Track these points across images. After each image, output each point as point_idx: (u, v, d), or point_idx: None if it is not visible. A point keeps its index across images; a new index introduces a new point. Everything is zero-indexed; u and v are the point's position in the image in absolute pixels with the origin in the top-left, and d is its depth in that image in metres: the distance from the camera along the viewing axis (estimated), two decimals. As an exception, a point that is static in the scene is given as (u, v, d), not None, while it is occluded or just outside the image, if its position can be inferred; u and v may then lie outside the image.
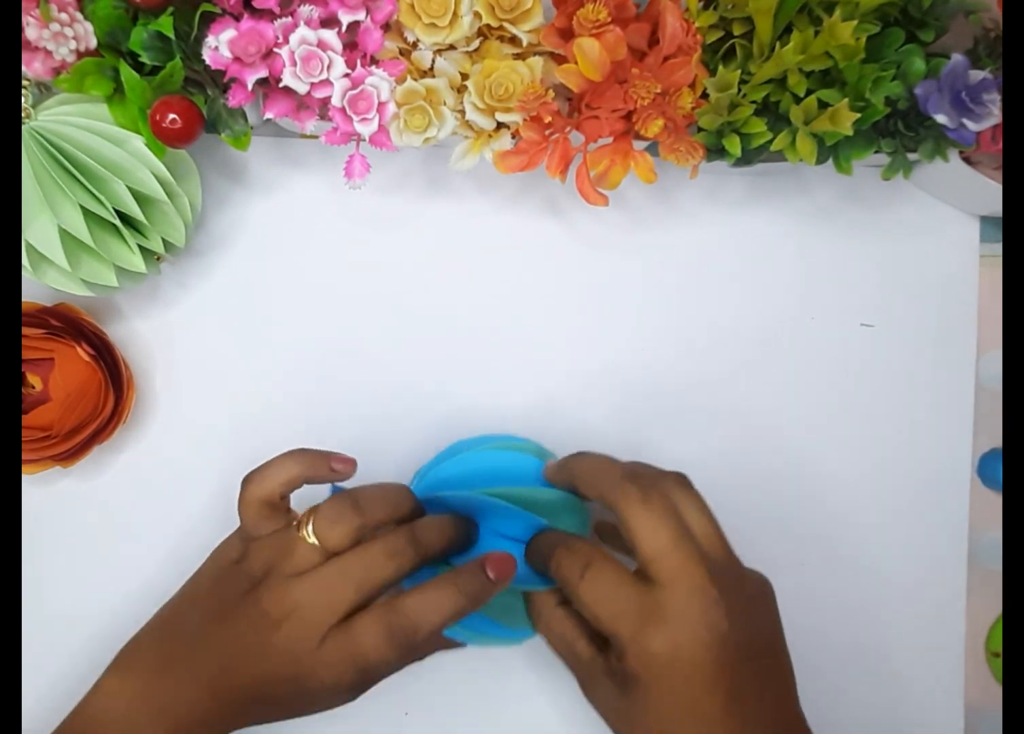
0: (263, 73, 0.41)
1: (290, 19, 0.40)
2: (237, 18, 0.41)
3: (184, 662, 0.38)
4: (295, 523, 0.40)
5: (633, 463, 0.43)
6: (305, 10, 0.41)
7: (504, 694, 0.50)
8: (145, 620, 0.45)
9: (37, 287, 0.46)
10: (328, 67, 0.41)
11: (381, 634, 0.37)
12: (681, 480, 0.41)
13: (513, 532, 0.43)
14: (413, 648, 0.38)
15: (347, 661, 0.37)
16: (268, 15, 0.41)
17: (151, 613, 0.48)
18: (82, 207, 0.42)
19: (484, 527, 0.43)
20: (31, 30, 0.39)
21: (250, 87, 0.41)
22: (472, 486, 0.43)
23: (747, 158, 0.45)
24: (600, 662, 0.39)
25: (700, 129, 0.45)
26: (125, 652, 0.40)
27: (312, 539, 0.38)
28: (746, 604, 0.38)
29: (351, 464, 0.42)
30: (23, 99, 0.41)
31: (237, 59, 0.40)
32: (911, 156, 0.46)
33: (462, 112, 0.44)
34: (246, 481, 0.41)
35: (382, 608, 0.38)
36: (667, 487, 0.40)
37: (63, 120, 0.42)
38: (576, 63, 0.41)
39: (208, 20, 0.40)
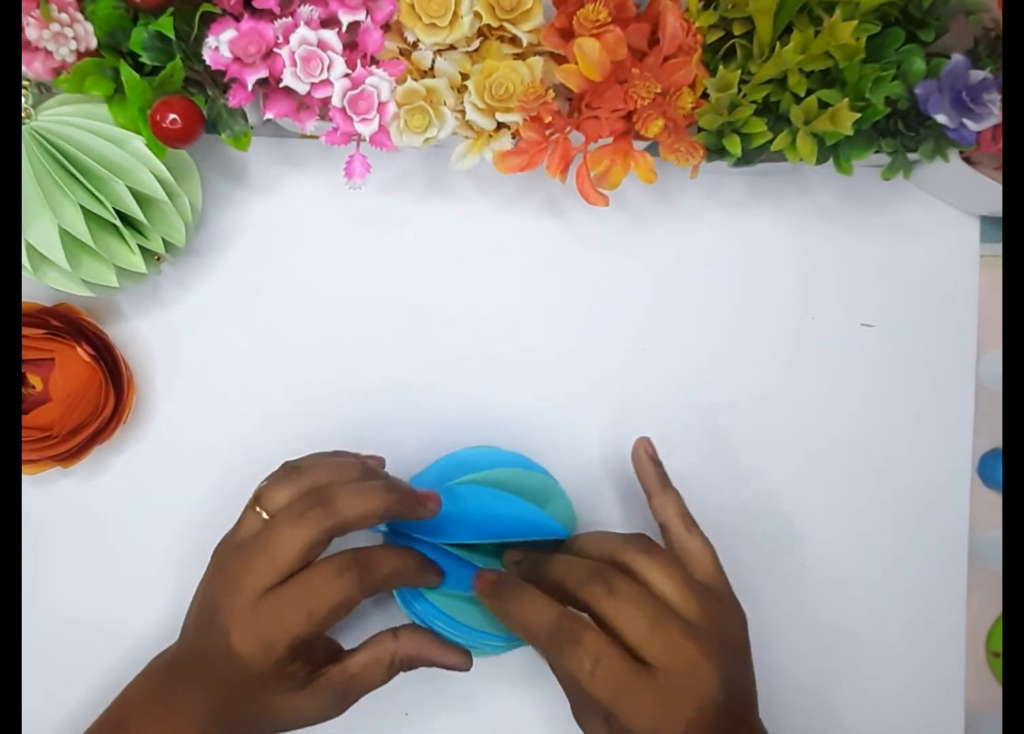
0: (263, 73, 0.41)
1: (290, 19, 0.40)
2: (237, 18, 0.41)
3: (188, 678, 0.40)
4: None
5: (590, 539, 0.44)
6: (305, 10, 0.41)
7: (504, 694, 0.50)
8: (145, 620, 0.45)
9: (37, 287, 0.46)
10: (328, 67, 0.41)
11: (330, 574, 0.39)
12: (643, 545, 0.42)
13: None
14: (363, 589, 0.39)
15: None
16: (268, 15, 0.41)
17: (151, 613, 0.48)
18: (82, 207, 0.42)
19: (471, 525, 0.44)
20: (31, 30, 0.39)
21: (250, 87, 0.41)
22: (447, 528, 0.44)
23: (747, 158, 0.45)
24: (600, 719, 0.40)
25: (700, 129, 0.45)
26: (152, 662, 0.43)
27: (259, 510, 0.40)
28: (732, 658, 0.40)
29: (436, 501, 0.43)
30: (23, 99, 0.41)
31: (237, 59, 0.40)
32: (911, 156, 0.46)
33: (462, 112, 0.44)
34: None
35: (336, 558, 0.40)
36: (628, 559, 0.41)
37: (63, 120, 0.42)
38: (576, 63, 0.41)
39: (208, 20, 0.40)
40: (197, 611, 0.41)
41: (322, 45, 0.41)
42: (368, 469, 0.42)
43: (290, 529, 0.38)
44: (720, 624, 0.40)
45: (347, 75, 0.41)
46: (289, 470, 0.41)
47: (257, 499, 0.40)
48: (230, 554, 0.40)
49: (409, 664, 0.43)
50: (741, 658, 0.41)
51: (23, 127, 0.41)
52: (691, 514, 0.44)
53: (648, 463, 0.46)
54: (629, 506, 0.51)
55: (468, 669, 0.43)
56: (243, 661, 0.38)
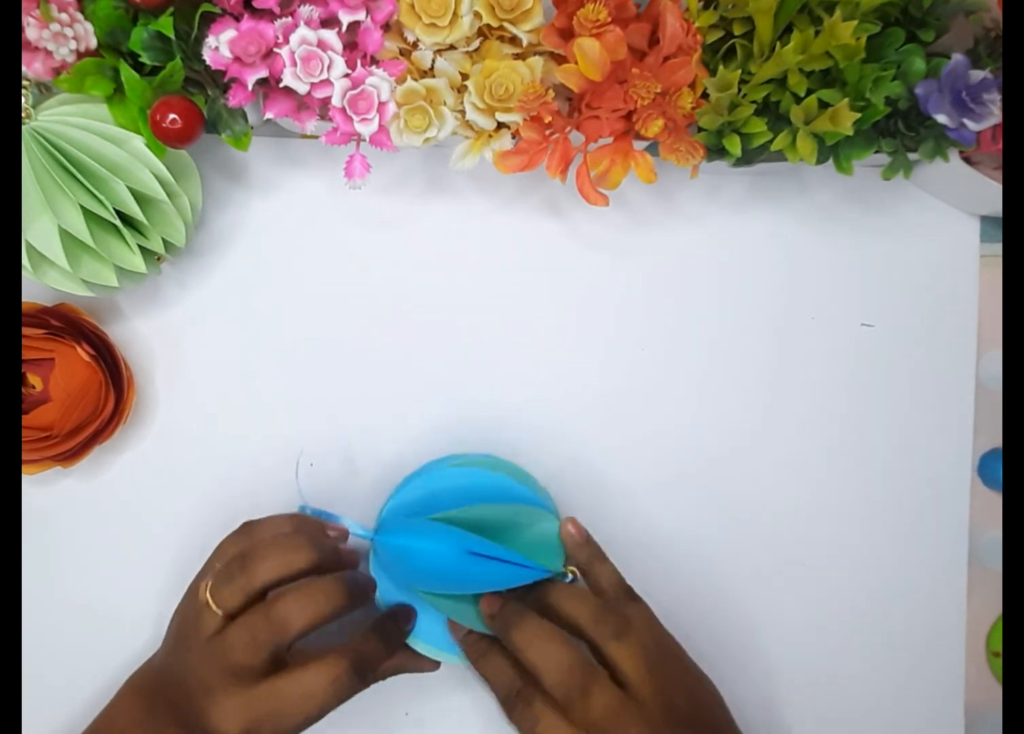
0: (263, 73, 0.41)
1: (290, 19, 0.40)
2: (237, 18, 0.41)
3: (163, 711, 0.41)
4: (201, 585, 0.41)
5: (566, 601, 0.43)
6: (305, 10, 0.41)
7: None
8: (145, 620, 0.45)
9: (37, 287, 0.46)
10: (328, 67, 0.41)
11: (332, 674, 0.39)
12: (615, 628, 0.42)
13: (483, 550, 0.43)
14: (363, 685, 0.41)
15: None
16: (268, 15, 0.41)
17: (151, 613, 0.48)
18: (82, 207, 0.42)
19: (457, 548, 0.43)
20: (31, 30, 0.39)
21: (250, 87, 0.41)
22: (437, 508, 0.44)
23: (747, 158, 0.45)
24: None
25: (700, 129, 0.45)
26: (134, 678, 0.44)
27: (213, 606, 0.40)
28: (695, 713, 0.41)
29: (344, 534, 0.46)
30: (23, 99, 0.41)
31: (237, 59, 0.40)
32: (911, 156, 0.46)
33: (462, 112, 0.44)
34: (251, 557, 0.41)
35: (333, 657, 0.40)
36: (601, 642, 0.41)
37: (63, 120, 0.42)
38: (576, 63, 0.41)
39: (208, 20, 0.40)
40: (181, 681, 0.41)
41: (322, 45, 0.41)
42: (317, 552, 0.42)
43: (247, 642, 0.39)
44: (701, 707, 0.42)
45: (347, 75, 0.41)
46: (232, 567, 0.41)
47: (210, 594, 0.41)
48: (202, 648, 0.40)
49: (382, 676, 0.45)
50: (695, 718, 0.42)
51: (23, 127, 0.41)
52: (626, 584, 0.45)
53: (579, 544, 0.45)
54: (626, 511, 0.51)
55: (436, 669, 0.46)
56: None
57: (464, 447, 0.50)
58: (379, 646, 0.42)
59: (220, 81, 0.42)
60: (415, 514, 0.44)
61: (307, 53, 0.40)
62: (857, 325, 0.52)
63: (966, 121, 0.43)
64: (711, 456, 0.52)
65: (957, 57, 0.43)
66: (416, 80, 0.43)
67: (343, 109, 0.42)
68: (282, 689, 0.39)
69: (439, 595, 0.44)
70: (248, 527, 0.44)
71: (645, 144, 0.46)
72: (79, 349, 0.46)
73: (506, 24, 0.43)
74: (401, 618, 0.45)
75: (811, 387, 0.52)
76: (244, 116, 0.44)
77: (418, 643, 0.45)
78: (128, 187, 0.42)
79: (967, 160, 0.47)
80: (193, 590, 0.43)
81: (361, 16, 0.42)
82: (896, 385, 0.52)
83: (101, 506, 0.50)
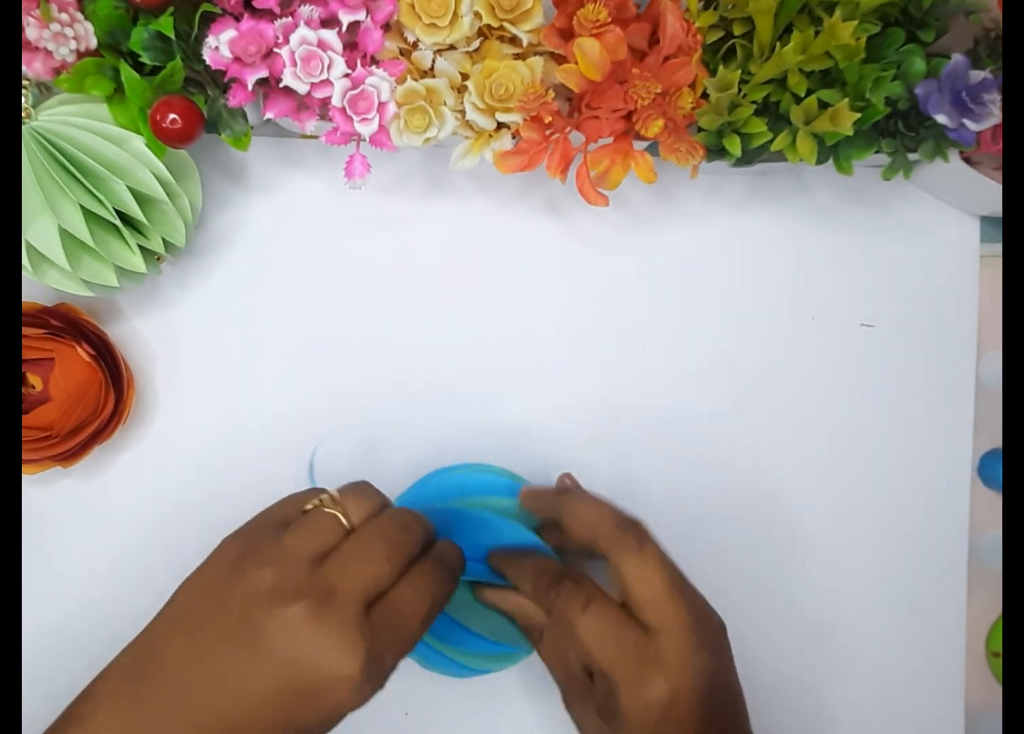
0: (263, 73, 0.41)
1: (290, 19, 0.40)
2: (237, 18, 0.41)
3: (164, 693, 0.34)
4: (312, 506, 0.36)
5: (583, 512, 0.42)
6: (305, 10, 0.41)
7: (504, 695, 0.50)
8: (146, 620, 0.45)
9: (37, 287, 0.46)
10: (328, 67, 0.41)
11: (426, 574, 0.35)
12: (644, 529, 0.41)
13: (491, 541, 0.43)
14: (452, 584, 0.37)
15: (388, 636, 0.33)
16: (268, 15, 0.41)
17: (152, 612, 0.48)
18: (82, 207, 0.42)
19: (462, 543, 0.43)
20: (31, 30, 0.39)
21: (250, 87, 0.41)
22: (444, 500, 0.44)
23: (747, 158, 0.45)
24: (590, 688, 0.40)
25: (700, 129, 0.45)
26: (97, 683, 0.37)
27: (341, 517, 0.35)
28: (718, 642, 0.39)
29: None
30: (23, 99, 0.41)
31: (237, 59, 0.40)
32: (911, 156, 0.46)
33: (462, 112, 0.44)
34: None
35: (421, 561, 0.36)
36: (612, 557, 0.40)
37: (63, 120, 0.42)
38: (576, 63, 0.41)
39: (208, 20, 0.40)
40: (239, 631, 0.33)
41: (322, 45, 0.41)
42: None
43: (404, 537, 0.35)
44: (709, 617, 0.40)
45: (347, 75, 0.41)
46: (366, 484, 0.38)
47: (334, 505, 0.36)
48: (317, 568, 0.33)
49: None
50: (731, 667, 0.41)
51: (23, 127, 0.41)
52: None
53: (544, 497, 0.44)
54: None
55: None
56: (357, 695, 0.33)
57: (463, 447, 0.50)
58: (452, 550, 0.39)
59: (220, 81, 0.42)
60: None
61: (307, 53, 0.40)
62: (857, 325, 0.52)
63: (966, 121, 0.43)
64: (711, 456, 0.52)
65: (957, 57, 0.43)
66: (416, 80, 0.43)
67: (343, 109, 0.42)
68: (394, 599, 0.34)
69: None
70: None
71: (645, 144, 0.46)
72: (79, 349, 0.46)
73: (506, 24, 0.43)
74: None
75: (811, 387, 0.52)
76: (244, 116, 0.44)
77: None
78: (128, 187, 0.42)
79: (967, 160, 0.47)
80: (257, 529, 0.36)
81: (361, 16, 0.42)
82: (896, 385, 0.52)
83: (101, 506, 0.50)
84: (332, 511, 0.35)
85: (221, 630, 0.33)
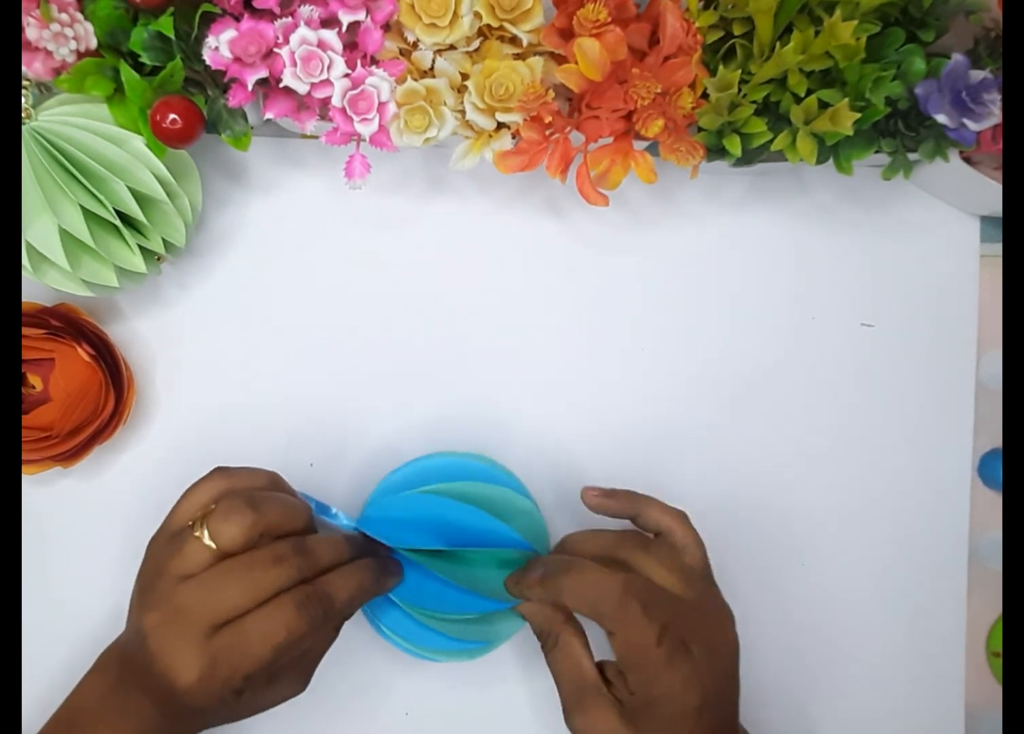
0: (263, 73, 0.41)
1: (290, 19, 0.40)
2: (237, 18, 0.41)
3: (131, 675, 0.39)
4: (189, 523, 0.39)
5: (586, 537, 0.45)
6: (305, 10, 0.41)
7: (504, 695, 0.50)
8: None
9: (37, 287, 0.46)
10: (328, 67, 0.41)
11: (292, 605, 0.37)
12: (639, 541, 0.42)
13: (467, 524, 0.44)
14: (327, 617, 0.39)
15: (248, 652, 0.37)
16: (268, 15, 0.41)
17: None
18: (82, 207, 0.42)
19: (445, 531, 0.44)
20: (31, 30, 0.39)
21: (250, 87, 0.41)
22: (419, 533, 0.44)
23: (747, 158, 0.45)
24: (604, 688, 0.41)
25: (700, 129, 0.45)
26: (101, 656, 0.42)
27: (206, 539, 0.38)
28: (724, 657, 0.41)
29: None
30: (23, 99, 0.41)
31: (237, 59, 0.40)
32: (911, 156, 0.46)
33: (462, 112, 0.44)
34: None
35: (295, 590, 0.38)
36: (629, 557, 0.42)
37: (63, 120, 0.42)
38: (576, 63, 0.41)
39: (208, 20, 0.40)
40: (134, 636, 0.39)
41: (322, 45, 0.41)
42: (312, 519, 0.42)
43: (271, 571, 0.37)
44: (706, 621, 0.41)
45: (347, 75, 0.41)
46: (239, 502, 0.39)
47: (201, 527, 0.38)
48: (175, 586, 0.37)
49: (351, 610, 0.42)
50: (734, 658, 0.42)
51: (23, 127, 0.41)
52: (678, 509, 0.44)
53: (605, 499, 0.45)
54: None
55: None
56: (190, 697, 0.37)
57: (462, 446, 0.50)
58: (351, 582, 0.40)
59: (220, 81, 0.42)
60: (393, 531, 0.44)
61: (307, 53, 0.40)
62: (857, 325, 0.52)
63: (966, 121, 0.43)
64: (710, 455, 0.52)
65: (957, 57, 0.43)
66: (416, 80, 0.43)
67: (343, 109, 0.42)
68: (244, 624, 0.37)
69: (425, 554, 0.43)
70: (224, 473, 0.41)
71: (645, 144, 0.46)
72: (79, 349, 0.46)
73: (506, 24, 0.43)
74: (390, 567, 0.43)
75: (811, 387, 0.52)
76: (244, 116, 0.44)
77: (394, 637, 0.45)
78: (128, 187, 0.42)
79: (967, 160, 0.47)
80: (160, 539, 0.40)
81: (361, 16, 0.42)
82: (896, 385, 0.52)
83: (101, 506, 0.50)
84: (198, 534, 0.38)
85: (128, 633, 0.41)
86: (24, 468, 0.46)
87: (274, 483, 0.42)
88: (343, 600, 0.39)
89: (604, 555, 0.42)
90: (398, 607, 0.45)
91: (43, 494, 0.49)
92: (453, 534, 0.44)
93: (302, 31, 0.40)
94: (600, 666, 0.42)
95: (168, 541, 0.40)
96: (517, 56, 0.44)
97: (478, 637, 0.46)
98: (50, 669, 0.49)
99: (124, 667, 0.40)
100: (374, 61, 0.43)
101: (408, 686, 0.50)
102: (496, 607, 0.44)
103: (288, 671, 0.41)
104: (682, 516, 0.44)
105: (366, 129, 0.42)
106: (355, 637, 0.44)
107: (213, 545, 0.38)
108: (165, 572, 0.38)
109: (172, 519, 0.41)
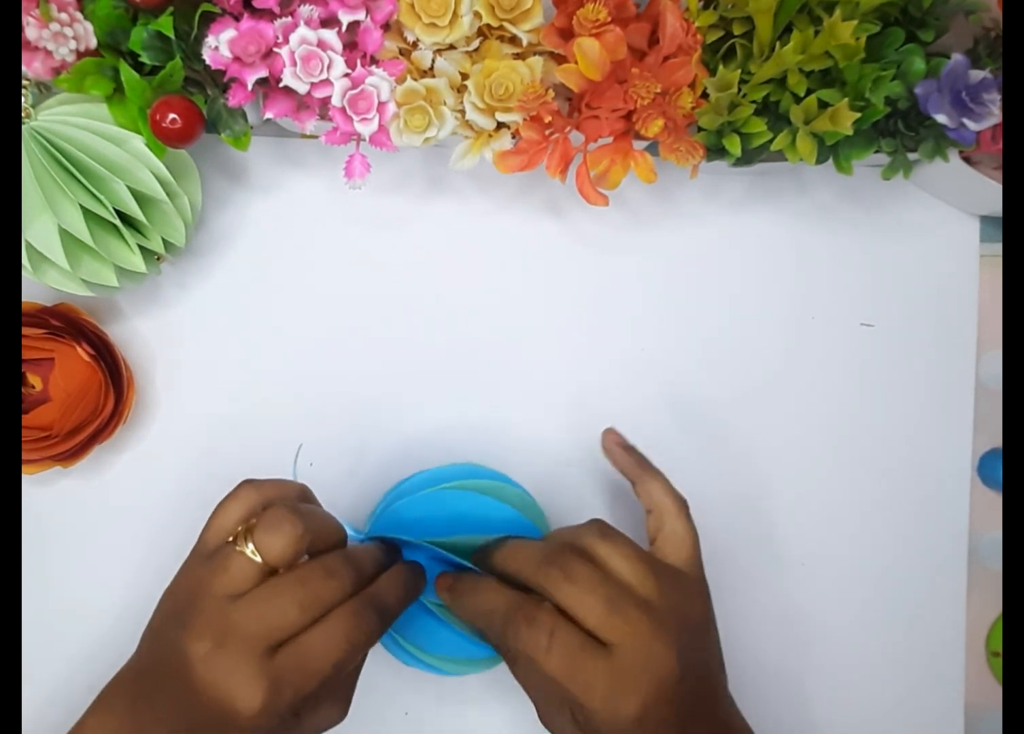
0: (263, 73, 0.41)
1: (290, 19, 0.40)
2: (237, 18, 0.41)
3: (150, 709, 0.36)
4: (230, 538, 0.37)
5: (554, 533, 0.44)
6: (305, 10, 0.41)
7: (503, 694, 0.50)
8: (145, 621, 0.45)
9: (37, 287, 0.46)
10: (328, 67, 0.41)
11: (348, 617, 0.36)
12: (599, 529, 0.41)
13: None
14: (382, 625, 0.38)
15: (302, 674, 0.35)
16: (268, 15, 0.41)
17: (150, 613, 0.48)
18: (82, 207, 0.42)
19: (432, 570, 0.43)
20: (31, 30, 0.39)
21: (250, 87, 0.41)
22: (426, 531, 0.44)
23: (747, 158, 0.45)
24: (565, 712, 0.39)
25: (700, 129, 0.45)
26: (104, 691, 0.38)
27: (251, 553, 0.36)
28: (691, 635, 0.39)
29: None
30: (23, 99, 0.41)
31: (237, 59, 0.40)
32: (911, 156, 0.46)
33: (462, 112, 0.44)
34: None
35: (348, 601, 0.37)
36: (587, 545, 0.40)
37: (63, 120, 0.42)
38: (576, 63, 0.41)
39: (208, 20, 0.40)
40: (172, 662, 0.36)
41: (322, 45, 0.41)
42: (345, 533, 0.41)
43: (326, 584, 0.36)
44: (679, 601, 0.40)
45: (347, 75, 0.41)
46: (285, 512, 0.37)
47: (245, 541, 0.36)
48: (225, 607, 0.35)
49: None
50: (702, 635, 0.41)
51: (23, 127, 0.41)
52: (681, 495, 0.44)
53: (620, 451, 0.45)
54: (622, 511, 0.51)
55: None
56: (250, 722, 0.34)
57: (462, 446, 0.50)
58: (398, 586, 0.39)
59: (220, 81, 0.42)
60: (405, 531, 0.44)
61: (307, 53, 0.40)
62: (857, 325, 0.52)
63: (966, 121, 0.43)
64: (710, 455, 0.52)
65: (957, 57, 0.43)
66: (416, 80, 0.43)
67: (343, 109, 0.42)
68: (303, 642, 0.35)
69: (442, 545, 0.43)
70: (254, 486, 0.39)
71: (645, 144, 0.46)
72: (79, 349, 0.46)
73: (506, 24, 0.43)
74: (418, 569, 0.42)
75: (811, 387, 0.52)
76: (244, 116, 0.44)
77: (407, 645, 0.45)
78: (128, 187, 0.42)
79: (967, 160, 0.47)
80: (198, 555, 0.38)
81: (361, 16, 0.42)
82: (896, 385, 0.52)
83: (101, 506, 0.50)
84: (241, 549, 0.36)
85: (155, 661, 0.37)
86: (24, 468, 0.46)
87: (304, 495, 0.41)
88: (394, 605, 0.39)
89: (570, 542, 0.41)
90: (417, 613, 0.45)
91: (43, 494, 0.49)
92: (465, 524, 0.44)
93: (302, 31, 0.40)
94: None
95: (207, 560, 0.37)
96: (517, 56, 0.44)
97: (470, 670, 0.46)
98: (50, 669, 0.49)
99: (138, 701, 0.37)
100: (374, 61, 0.43)
101: (408, 686, 0.50)
102: (489, 654, 0.45)
103: (332, 691, 0.39)
104: (681, 503, 0.43)
105: (366, 129, 0.42)
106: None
107: (259, 559, 0.36)
108: (209, 593, 0.36)
109: (206, 537, 0.38)
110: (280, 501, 0.38)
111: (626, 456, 0.45)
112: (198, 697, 0.34)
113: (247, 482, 0.39)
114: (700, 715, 0.39)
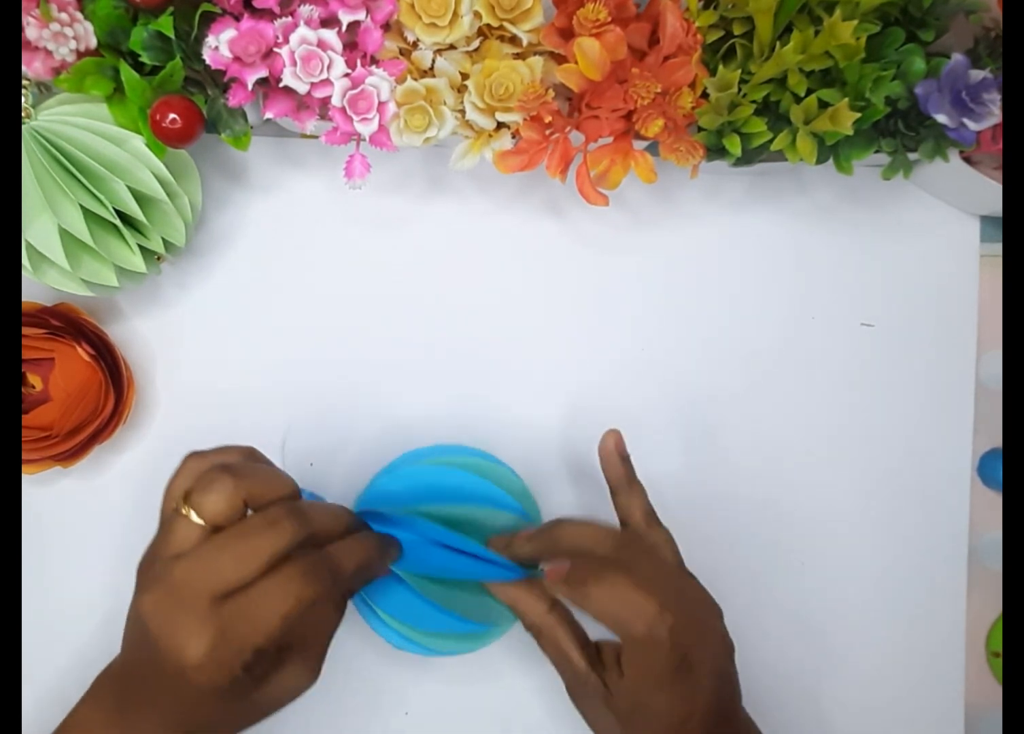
0: (263, 73, 0.41)
1: (290, 19, 0.40)
2: (237, 18, 0.41)
3: (138, 699, 0.37)
4: (173, 508, 0.38)
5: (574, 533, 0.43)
6: (305, 10, 0.41)
7: (503, 694, 0.50)
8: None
9: (37, 287, 0.46)
10: (328, 67, 0.41)
11: (298, 573, 0.36)
12: (638, 544, 0.43)
13: (453, 544, 0.43)
14: (336, 585, 0.37)
15: (254, 626, 0.35)
16: (268, 15, 0.41)
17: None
18: (82, 207, 0.42)
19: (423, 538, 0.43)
20: (31, 30, 0.39)
21: (250, 87, 0.41)
22: (416, 502, 0.44)
23: (747, 158, 0.45)
24: (593, 681, 0.40)
25: (700, 129, 0.45)
26: (96, 681, 0.40)
27: (193, 517, 0.37)
28: (716, 652, 0.41)
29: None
30: (23, 99, 0.41)
31: (237, 59, 0.40)
32: (911, 156, 0.46)
33: (462, 112, 0.44)
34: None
35: (301, 558, 0.37)
36: (629, 558, 0.41)
37: (63, 120, 0.42)
38: (576, 63, 0.41)
39: (208, 20, 0.40)
40: (135, 631, 0.38)
41: (322, 45, 0.41)
42: (298, 493, 0.40)
43: (265, 535, 0.36)
44: (709, 617, 0.41)
45: (347, 75, 0.41)
46: (216, 472, 0.37)
47: (185, 503, 0.37)
48: (169, 565, 0.36)
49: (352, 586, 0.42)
50: (728, 658, 0.42)
51: (23, 127, 0.41)
52: (653, 510, 0.45)
53: (616, 459, 0.45)
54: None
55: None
56: (202, 675, 0.35)
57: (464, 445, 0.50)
58: (357, 550, 0.39)
59: (220, 81, 0.42)
60: (392, 504, 0.44)
61: (307, 53, 0.40)
62: (857, 325, 0.52)
63: (966, 121, 0.43)
64: (710, 455, 0.52)
65: (957, 57, 0.43)
66: (416, 80, 0.43)
67: (343, 109, 0.42)
68: (249, 593, 0.35)
69: (414, 576, 0.43)
70: (197, 456, 0.40)
71: (645, 144, 0.46)
72: (79, 349, 0.46)
73: (506, 24, 0.43)
74: (389, 543, 0.42)
75: (811, 387, 0.52)
76: (244, 116, 0.44)
77: (391, 619, 0.45)
78: (128, 187, 0.42)
79: (967, 160, 0.47)
80: (156, 533, 0.39)
81: (361, 16, 0.42)
82: (896, 385, 0.52)
83: (101, 506, 0.50)
84: (185, 513, 0.37)
85: (128, 641, 0.39)
86: (24, 468, 0.46)
87: (251, 456, 0.41)
88: (350, 568, 0.38)
89: (600, 552, 0.41)
90: (399, 589, 0.44)
91: (43, 494, 0.49)
92: (451, 497, 0.44)
93: (302, 31, 0.40)
94: (598, 646, 0.42)
95: (157, 533, 0.39)
96: (517, 56, 0.44)
97: (483, 617, 0.45)
98: (50, 669, 0.49)
99: (123, 685, 0.38)
100: (374, 61, 0.43)
101: (408, 686, 0.50)
102: (474, 629, 0.45)
103: (296, 654, 0.39)
104: (651, 516, 0.44)
105: (366, 129, 0.42)
106: (356, 634, 0.44)
107: (201, 521, 0.37)
108: (158, 557, 0.37)
109: (161, 515, 0.40)
110: (219, 464, 0.39)
111: (617, 466, 0.45)
112: (158, 656, 0.35)
113: (192, 454, 0.40)
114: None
